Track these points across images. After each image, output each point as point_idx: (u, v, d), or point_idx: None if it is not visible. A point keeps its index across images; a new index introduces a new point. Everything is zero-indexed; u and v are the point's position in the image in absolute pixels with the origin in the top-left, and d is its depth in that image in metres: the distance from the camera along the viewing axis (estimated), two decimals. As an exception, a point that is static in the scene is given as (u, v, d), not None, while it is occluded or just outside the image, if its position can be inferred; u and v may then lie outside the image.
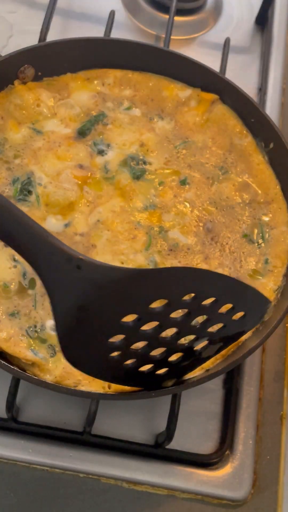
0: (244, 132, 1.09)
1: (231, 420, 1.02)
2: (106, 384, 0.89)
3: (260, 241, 1.03)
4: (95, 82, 1.12)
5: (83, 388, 0.88)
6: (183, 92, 1.12)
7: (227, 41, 1.26)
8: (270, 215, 1.04)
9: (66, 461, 0.96)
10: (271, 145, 1.07)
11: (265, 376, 1.08)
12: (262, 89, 1.32)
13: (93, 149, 1.06)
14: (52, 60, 1.08)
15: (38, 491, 0.96)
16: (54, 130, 1.07)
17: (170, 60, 1.11)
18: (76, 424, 1.00)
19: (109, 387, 0.89)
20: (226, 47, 1.26)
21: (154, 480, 0.97)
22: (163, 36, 1.24)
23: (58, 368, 0.89)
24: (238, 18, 1.43)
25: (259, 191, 1.06)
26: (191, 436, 1.02)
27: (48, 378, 0.88)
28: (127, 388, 0.88)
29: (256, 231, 1.03)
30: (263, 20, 1.41)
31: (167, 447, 0.98)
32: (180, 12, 1.34)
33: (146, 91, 1.12)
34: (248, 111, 1.09)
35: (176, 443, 0.98)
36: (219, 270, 0.99)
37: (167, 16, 1.28)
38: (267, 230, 1.03)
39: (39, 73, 1.09)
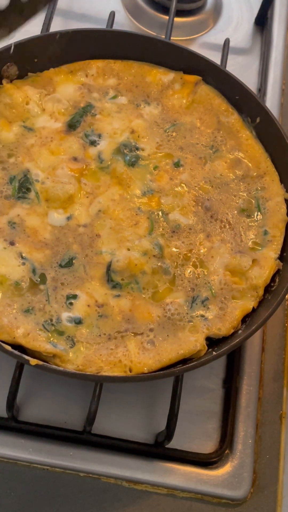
0: (230, 109, 1.11)
1: (231, 419, 1.02)
2: (127, 368, 0.91)
3: (257, 214, 1.04)
4: (79, 74, 1.13)
5: (105, 374, 0.90)
6: (166, 76, 1.13)
7: (226, 42, 1.27)
8: (264, 187, 1.06)
9: (66, 460, 0.97)
10: (258, 120, 1.09)
11: (265, 375, 1.08)
12: (261, 90, 1.32)
13: (85, 141, 1.07)
14: (33, 56, 1.09)
15: (38, 490, 0.96)
16: (44, 125, 1.08)
17: (150, 46, 1.12)
18: (76, 424, 1.00)
19: (130, 371, 0.90)
20: (225, 47, 1.26)
21: (154, 479, 0.97)
22: (163, 37, 1.24)
23: (79, 358, 0.90)
24: (238, 19, 1.43)
25: (251, 166, 1.08)
26: (191, 435, 1.02)
27: (70, 367, 0.90)
28: (146, 370, 0.90)
29: (252, 205, 1.05)
30: (263, 20, 1.42)
31: (167, 446, 0.98)
32: (180, 13, 1.35)
33: (129, 78, 1.13)
34: (231, 89, 1.11)
35: (176, 442, 0.98)
36: (222, 246, 1.01)
37: (167, 17, 1.28)
38: (263, 202, 1.05)
39: (23, 70, 1.09)
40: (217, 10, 1.43)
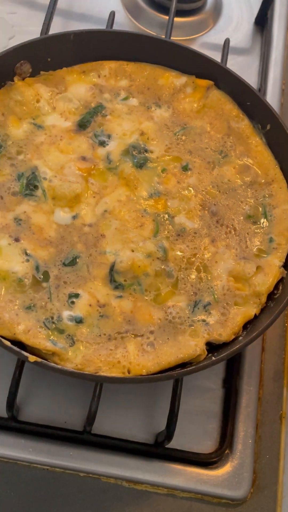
0: (241, 115, 1.11)
1: (231, 419, 1.02)
2: (126, 369, 0.91)
3: (263, 221, 1.04)
4: (91, 74, 1.13)
5: (104, 374, 0.90)
6: (178, 79, 1.13)
7: (226, 42, 1.27)
8: (272, 195, 1.06)
9: (66, 460, 0.97)
10: (268, 127, 1.09)
11: (265, 375, 1.08)
12: (261, 90, 1.32)
13: (94, 141, 1.07)
14: (47, 55, 1.09)
15: (38, 490, 0.97)
16: (54, 124, 1.08)
17: (163, 48, 1.12)
18: (76, 424, 1.00)
19: (128, 372, 0.90)
20: (225, 47, 1.26)
21: (154, 479, 0.97)
22: (163, 37, 1.24)
23: (78, 357, 0.90)
24: (238, 19, 1.43)
25: (259, 172, 1.08)
26: (191, 435, 1.02)
27: (69, 366, 0.90)
28: (144, 372, 0.90)
29: (258, 211, 1.05)
30: (263, 20, 1.42)
31: (167, 446, 0.99)
32: (180, 13, 1.35)
33: (142, 80, 1.13)
34: (243, 95, 1.11)
35: (176, 442, 0.98)
36: (226, 251, 1.01)
37: (167, 17, 1.28)
38: (270, 209, 1.05)
39: (36, 68, 1.10)
40: (217, 10, 1.43)
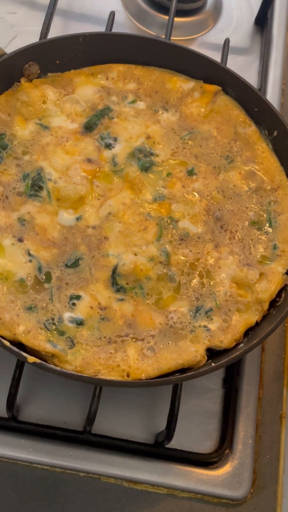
0: (248, 121, 1.11)
1: (231, 419, 1.02)
2: (125, 373, 0.90)
3: (268, 227, 1.04)
4: (99, 76, 1.12)
5: (102, 377, 0.90)
6: (186, 84, 1.13)
7: (226, 42, 1.27)
8: (277, 201, 1.05)
9: (66, 460, 0.97)
10: (275, 133, 1.09)
11: (265, 375, 1.08)
12: (261, 90, 1.32)
13: (101, 143, 1.07)
14: (56, 56, 1.09)
15: (38, 490, 0.97)
16: (61, 125, 1.08)
17: (172, 53, 1.12)
18: (77, 424, 1.00)
19: (128, 376, 0.90)
20: (225, 47, 1.26)
21: (154, 479, 0.97)
22: (163, 37, 1.24)
23: (78, 359, 0.90)
24: (238, 19, 1.43)
25: (265, 178, 1.07)
26: (191, 435, 1.02)
27: (68, 368, 0.89)
28: (143, 377, 0.90)
29: (263, 218, 1.04)
30: (263, 21, 1.42)
31: (167, 446, 0.99)
32: (180, 13, 1.35)
33: (149, 83, 1.13)
34: (251, 101, 1.11)
35: (176, 442, 0.98)
36: (230, 257, 1.00)
37: (167, 17, 1.28)
38: (274, 216, 1.04)
39: (44, 70, 1.10)
40: (217, 10, 1.43)
